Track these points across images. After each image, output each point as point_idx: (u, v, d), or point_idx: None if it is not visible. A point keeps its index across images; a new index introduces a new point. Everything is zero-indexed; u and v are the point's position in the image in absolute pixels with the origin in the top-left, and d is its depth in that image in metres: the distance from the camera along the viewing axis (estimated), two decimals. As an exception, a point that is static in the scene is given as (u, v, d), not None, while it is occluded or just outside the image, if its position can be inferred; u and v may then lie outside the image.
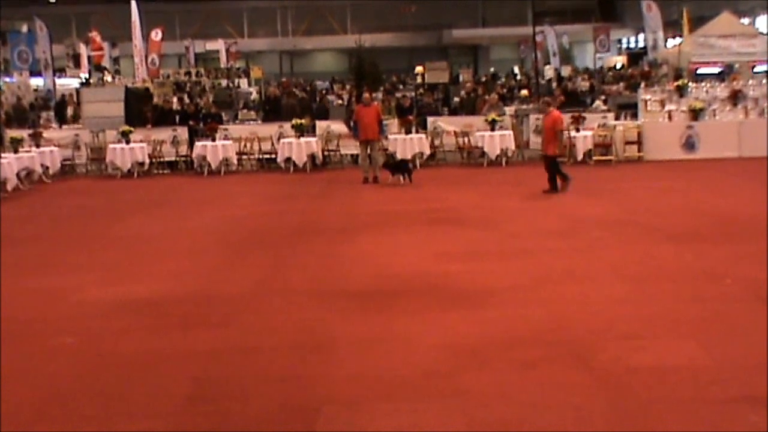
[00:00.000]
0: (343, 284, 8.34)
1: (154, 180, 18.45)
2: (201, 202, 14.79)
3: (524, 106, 22.57)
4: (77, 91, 27.20)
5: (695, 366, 5.72)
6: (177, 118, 20.70)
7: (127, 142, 18.84)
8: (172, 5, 48.88)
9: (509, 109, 21.83)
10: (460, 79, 32.28)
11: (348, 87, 29.90)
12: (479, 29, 52.48)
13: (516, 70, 45.17)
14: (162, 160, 19.47)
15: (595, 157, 18.09)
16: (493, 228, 11.20)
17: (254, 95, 31.81)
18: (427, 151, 18.74)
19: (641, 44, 42.12)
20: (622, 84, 26.99)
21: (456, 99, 24.85)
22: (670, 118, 18.75)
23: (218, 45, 41.61)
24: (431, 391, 5.43)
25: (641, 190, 14.29)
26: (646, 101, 19.23)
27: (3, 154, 17.15)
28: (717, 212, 11.86)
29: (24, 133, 19.09)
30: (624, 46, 49.38)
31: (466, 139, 18.78)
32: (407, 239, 10.62)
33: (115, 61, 38.98)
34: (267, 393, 5.49)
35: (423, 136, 18.81)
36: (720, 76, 21.68)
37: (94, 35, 35.05)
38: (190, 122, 20.13)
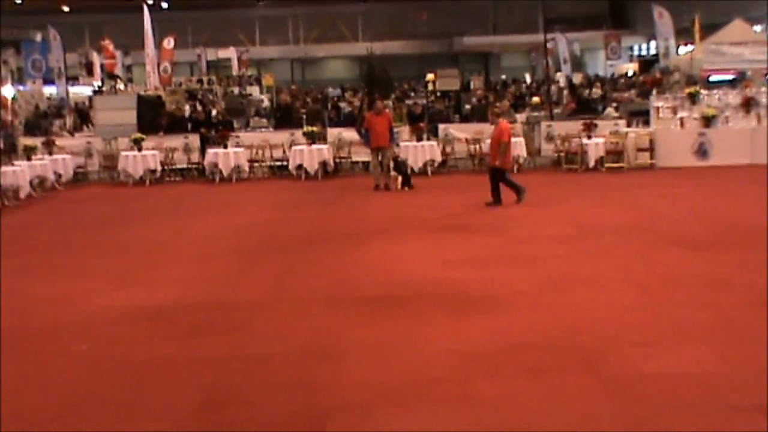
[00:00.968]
0: (353, 291, 8.36)
1: (165, 187, 18.52)
2: (212, 209, 14.84)
3: (536, 114, 22.55)
4: (90, 99, 27.35)
5: (706, 373, 5.70)
6: (189, 125, 20.79)
7: (139, 150, 18.94)
8: (184, 13, 49.15)
9: (520, 116, 21.82)
10: (471, 86, 32.24)
11: (360, 94, 29.91)
12: (490, 36, 52.43)
13: (527, 77, 45.11)
14: (174, 167, 19.58)
15: (606, 164, 18.05)
16: (503, 234, 11.21)
17: (266, 103, 31.85)
18: (439, 159, 18.72)
19: (653, 51, 42.00)
20: (633, 91, 26.91)
21: (467, 106, 24.83)
22: (682, 125, 18.69)
23: (230, 53, 41.74)
24: (441, 397, 5.43)
25: (652, 197, 14.26)
26: (658, 108, 19.19)
27: (16, 162, 17.29)
28: (729, 219, 11.81)
29: (37, 141, 19.25)
30: (635, 53, 49.25)
31: (477, 147, 18.78)
32: (418, 246, 10.63)
33: (128, 69, 39.09)
34: (277, 400, 5.50)
35: (434, 143, 18.84)
36: (732, 84, 21.62)
37: (107, 43, 35.22)
38: (202, 130, 20.18)
